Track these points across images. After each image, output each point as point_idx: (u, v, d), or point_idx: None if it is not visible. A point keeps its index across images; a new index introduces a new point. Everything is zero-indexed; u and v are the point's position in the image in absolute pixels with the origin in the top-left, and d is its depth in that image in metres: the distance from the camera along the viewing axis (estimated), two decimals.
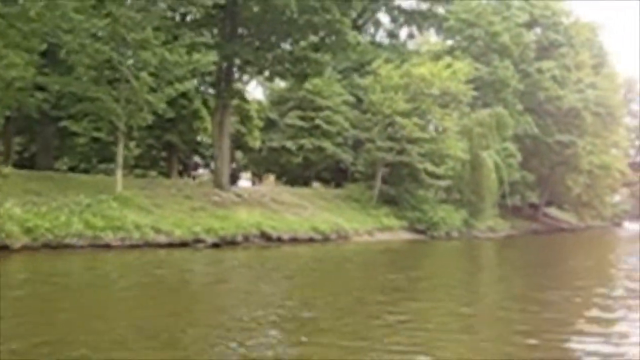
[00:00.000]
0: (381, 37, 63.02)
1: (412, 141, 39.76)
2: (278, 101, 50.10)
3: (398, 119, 39.25)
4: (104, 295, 13.83)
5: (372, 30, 63.62)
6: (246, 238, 28.59)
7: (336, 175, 51.35)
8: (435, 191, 42.70)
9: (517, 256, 32.43)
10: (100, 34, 24.52)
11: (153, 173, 43.33)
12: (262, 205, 33.83)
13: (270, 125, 48.71)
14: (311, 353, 8.84)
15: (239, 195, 33.80)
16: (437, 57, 45.39)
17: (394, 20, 63.25)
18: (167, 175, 43.66)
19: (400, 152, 39.91)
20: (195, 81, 37.28)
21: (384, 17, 63.11)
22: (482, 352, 9.34)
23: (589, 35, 69.37)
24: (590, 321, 11.94)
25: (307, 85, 44.54)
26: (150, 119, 26.62)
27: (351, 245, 32.32)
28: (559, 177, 62.82)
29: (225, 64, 32.99)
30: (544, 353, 9.37)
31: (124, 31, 24.39)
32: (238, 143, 50.99)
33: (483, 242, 40.72)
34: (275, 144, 47.33)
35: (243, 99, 39.67)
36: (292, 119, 46.71)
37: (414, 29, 63.57)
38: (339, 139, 47.05)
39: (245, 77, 36.78)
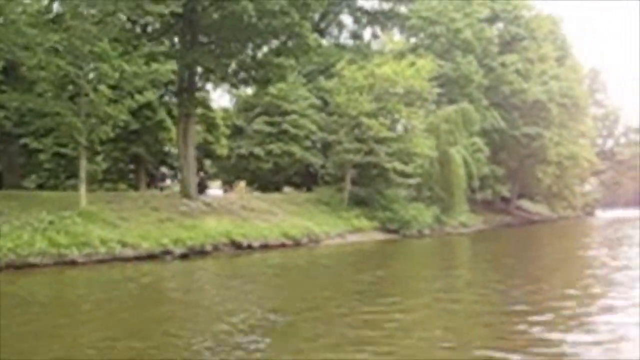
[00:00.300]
0: (345, 38, 63.21)
1: (380, 141, 39.73)
2: (245, 108, 50.00)
3: (364, 119, 39.19)
4: (57, 314, 13.53)
5: (335, 32, 63.83)
6: (216, 247, 28.34)
7: (307, 179, 51.28)
8: (405, 190, 42.58)
9: (483, 250, 32.55)
10: (58, 48, 24.17)
11: (123, 186, 43.00)
12: (232, 213, 33.59)
13: (237, 132, 48.58)
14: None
15: (207, 204, 33.51)
16: (400, 56, 45.41)
17: (357, 21, 63.48)
18: (135, 188, 43.32)
19: (368, 152, 39.86)
20: (158, 91, 37.20)
21: (347, 19, 63.42)
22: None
23: (551, 28, 70.06)
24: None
25: (273, 90, 44.38)
26: (112, 131, 26.26)
27: (323, 249, 32.18)
28: (529, 170, 63.32)
29: (187, 73, 32.74)
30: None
31: (80, 44, 24.06)
32: (206, 152, 50.82)
33: (454, 238, 40.81)
34: (243, 151, 47.21)
35: (207, 107, 39.38)
36: (259, 124, 46.65)
37: (378, 30, 63.93)
38: (307, 143, 47.05)
39: (209, 86, 36.41)
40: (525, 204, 76.80)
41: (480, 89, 51.63)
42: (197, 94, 33.92)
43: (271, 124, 46.37)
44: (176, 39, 33.80)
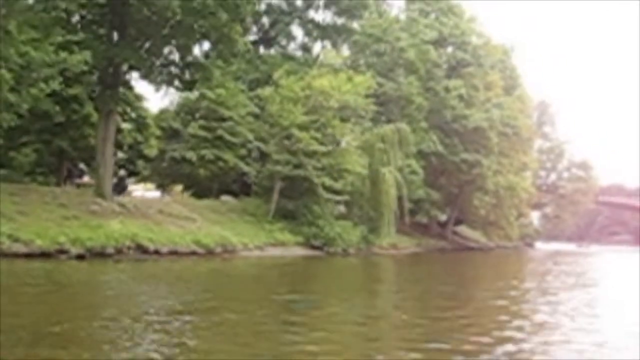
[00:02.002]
0: (293, 49, 62.28)
1: (309, 154, 38.91)
2: (185, 111, 48.75)
3: (295, 131, 38.34)
4: None
5: (284, 42, 62.88)
6: (119, 250, 27.06)
7: (243, 189, 50.09)
8: (333, 206, 41.69)
9: (400, 273, 31.81)
10: None
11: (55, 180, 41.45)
12: (146, 216, 32.36)
13: (173, 135, 47.29)
14: None
15: (122, 205, 32.23)
16: (338, 70, 44.71)
17: (308, 34, 62.62)
18: (58, 183, 41.73)
19: (298, 166, 38.96)
20: (86, 86, 35.80)
21: (297, 31, 62.54)
22: None
23: (501, 57, 70.37)
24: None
25: (211, 95, 43.38)
26: (12, 121, 24.85)
27: (236, 261, 31.12)
28: (468, 196, 63.11)
29: (111, 68, 31.55)
30: None
31: None
32: (138, 152, 49.43)
33: (379, 259, 40.02)
34: (176, 154, 45.89)
35: (130, 105, 38.09)
36: (195, 129, 45.38)
37: (328, 44, 63.20)
38: (243, 151, 45.88)
39: (133, 82, 35.20)
40: (465, 230, 76.78)
41: (421, 110, 51.23)
42: (119, 91, 32.55)
43: (207, 129, 45.11)
44: (103, 31, 32.53)
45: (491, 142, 56.64)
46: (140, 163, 50.55)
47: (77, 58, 24.71)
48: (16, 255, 23.26)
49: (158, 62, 32.05)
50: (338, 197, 40.53)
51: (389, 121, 47.65)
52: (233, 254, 32.69)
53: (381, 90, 46.02)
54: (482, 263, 43.80)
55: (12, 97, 23.91)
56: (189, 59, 32.43)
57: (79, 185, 41.11)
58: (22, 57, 23.60)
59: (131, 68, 31.68)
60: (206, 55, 31.66)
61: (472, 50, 57.74)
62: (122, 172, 53.09)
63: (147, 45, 31.44)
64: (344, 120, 41.23)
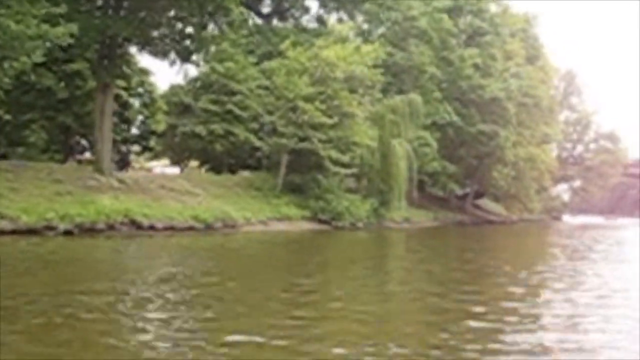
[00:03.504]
0: (308, 21, 61.24)
1: (315, 127, 37.98)
2: (197, 85, 48.04)
3: (300, 103, 37.43)
4: None
5: (298, 15, 61.83)
6: (111, 226, 26.59)
7: (258, 163, 49.36)
8: (341, 179, 40.72)
9: (409, 248, 30.80)
10: None
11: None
12: (145, 191, 31.85)
13: (185, 110, 46.65)
14: None
15: (121, 181, 31.73)
16: (347, 40, 43.56)
17: (323, 5, 61.52)
18: (64, 159, 41.50)
19: (304, 138, 38.11)
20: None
21: (312, 3, 61.56)
22: None
23: (523, 26, 68.62)
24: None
25: (220, 68, 42.66)
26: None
27: (236, 235, 30.49)
28: (487, 169, 61.78)
29: (107, 41, 30.90)
30: None
31: None
32: (149, 128, 49.03)
33: (389, 233, 39.14)
34: (187, 129, 45.26)
35: (130, 79, 37.48)
36: (205, 103, 44.66)
37: (344, 15, 62.04)
38: (254, 125, 45.06)
39: (129, 55, 34.50)
40: (487, 203, 75.41)
41: (434, 80, 49.85)
42: (117, 64, 31.90)
43: (217, 102, 44.35)
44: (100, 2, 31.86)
45: (509, 113, 55.09)
46: (153, 139, 50.26)
47: (60, 30, 23.94)
48: (2, 233, 22.87)
49: (155, 34, 31.23)
50: (346, 170, 39.56)
51: (400, 92, 46.39)
52: (234, 229, 32.05)
53: (392, 60, 44.77)
54: (496, 237, 42.58)
55: None
56: (188, 30, 31.55)
57: (80, 162, 40.73)
58: (3, 31, 22.92)
59: (126, 40, 30.92)
60: (203, 26, 30.61)
61: (489, 18, 56.10)
62: (134, 148, 53.01)
63: (142, 16, 30.72)
64: (352, 91, 40.15)
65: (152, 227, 28.04)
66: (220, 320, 10.05)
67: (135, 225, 27.57)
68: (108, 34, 29.74)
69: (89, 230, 25.43)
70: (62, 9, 24.44)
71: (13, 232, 23.19)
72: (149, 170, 60.06)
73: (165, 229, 28.57)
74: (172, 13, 30.84)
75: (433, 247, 31.14)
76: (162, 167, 61.70)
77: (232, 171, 46.18)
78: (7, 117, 39.11)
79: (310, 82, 38.51)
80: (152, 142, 51.12)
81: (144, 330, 9.18)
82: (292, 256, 23.63)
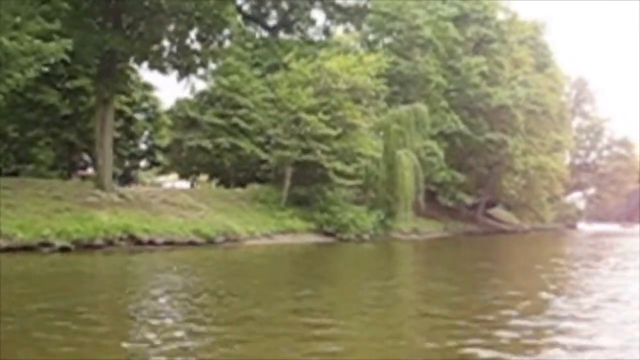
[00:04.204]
0: (314, 34, 61.04)
1: (319, 138, 37.66)
2: (203, 100, 47.91)
3: (303, 115, 37.15)
4: None
5: (303, 27, 61.65)
6: (110, 242, 26.36)
7: (265, 177, 49.07)
8: (346, 191, 40.37)
9: (412, 261, 30.28)
10: None
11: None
12: (146, 206, 31.63)
13: (191, 124, 46.49)
14: None
15: (121, 196, 31.53)
16: (350, 50, 43.30)
17: (330, 17, 61.33)
18: (68, 175, 41.48)
19: (307, 150, 37.80)
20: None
21: (319, 15, 61.23)
22: None
23: (531, 33, 68.19)
24: None
25: (225, 82, 42.49)
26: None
27: (238, 250, 30.06)
28: (498, 177, 61.19)
29: (107, 56, 30.77)
30: None
31: None
32: (155, 143, 48.98)
33: (396, 245, 38.63)
34: (193, 144, 45.08)
35: (126, 94, 37.33)
36: (210, 117, 44.48)
37: (350, 26, 61.82)
38: (260, 139, 44.82)
39: (130, 70, 34.41)
40: (499, 213, 74.76)
41: (441, 89, 49.43)
42: (117, 80, 31.77)
43: (222, 116, 44.16)
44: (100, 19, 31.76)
45: (517, 121, 54.56)
46: (160, 154, 50.21)
47: (54, 46, 23.78)
48: None
49: (154, 49, 31.09)
50: (351, 182, 39.19)
51: (406, 102, 46.03)
52: (236, 244, 31.73)
53: (397, 69, 44.43)
54: (513, 246, 41.82)
55: None
56: (187, 43, 31.39)
57: (84, 178, 40.67)
58: None
59: (124, 55, 30.79)
60: (203, 39, 30.43)
61: (495, 26, 55.66)
62: (142, 163, 53.02)
63: (141, 30, 30.61)
64: (356, 102, 39.82)
65: (151, 242, 27.82)
66: None
67: (135, 240, 27.34)
68: (106, 49, 29.57)
69: (87, 247, 25.21)
70: (57, 25, 24.22)
71: (8, 249, 22.97)
72: (159, 185, 60.19)
73: (166, 243, 28.31)
74: (171, 27, 30.63)
75: (435, 261, 30.55)
76: (171, 182, 61.83)
77: (242, 185, 45.91)
78: (15, 134, 39.21)
79: (313, 94, 38.26)
80: (160, 157, 51.11)
81: None
82: (287, 271, 23.16)
